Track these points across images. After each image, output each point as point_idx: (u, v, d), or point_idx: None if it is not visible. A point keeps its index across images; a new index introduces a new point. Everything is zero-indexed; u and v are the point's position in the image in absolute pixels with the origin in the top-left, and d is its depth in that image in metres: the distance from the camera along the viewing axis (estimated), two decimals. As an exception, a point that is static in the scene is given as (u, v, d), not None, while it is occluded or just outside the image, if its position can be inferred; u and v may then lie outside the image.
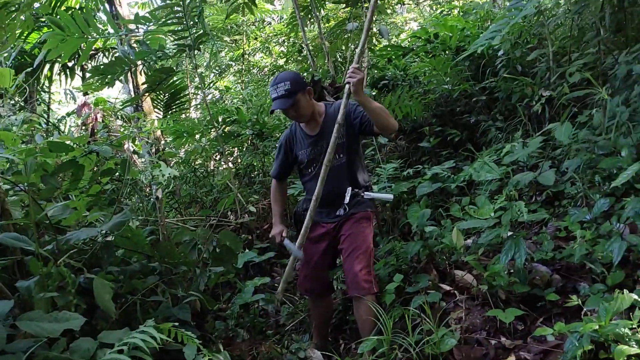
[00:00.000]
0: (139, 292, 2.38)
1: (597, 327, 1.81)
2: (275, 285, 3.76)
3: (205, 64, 8.61)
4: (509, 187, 3.12)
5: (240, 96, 7.29)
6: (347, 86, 2.41)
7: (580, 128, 3.35)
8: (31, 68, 5.16)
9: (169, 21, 3.92)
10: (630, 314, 1.91)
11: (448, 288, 2.75)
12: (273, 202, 3.04)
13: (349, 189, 2.64)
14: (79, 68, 6.44)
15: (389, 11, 7.69)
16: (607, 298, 2.08)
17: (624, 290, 1.91)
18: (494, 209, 2.80)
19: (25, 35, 5.51)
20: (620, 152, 2.71)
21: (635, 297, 1.88)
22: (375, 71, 5.94)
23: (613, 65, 3.49)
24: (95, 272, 2.23)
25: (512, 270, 2.61)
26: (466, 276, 2.77)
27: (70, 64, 6.35)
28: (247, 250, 3.72)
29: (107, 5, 5.78)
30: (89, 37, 3.67)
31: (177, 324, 1.77)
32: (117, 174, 3.16)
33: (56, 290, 1.90)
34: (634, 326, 1.78)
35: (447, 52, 5.41)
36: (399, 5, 8.45)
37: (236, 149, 5.50)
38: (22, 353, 1.51)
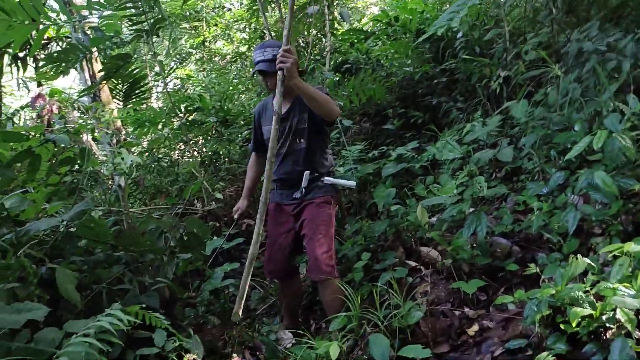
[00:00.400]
0: (104, 281, 2.34)
1: (553, 292, 1.90)
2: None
3: (164, 51, 8.41)
4: (470, 165, 3.21)
5: (203, 84, 7.17)
6: (279, 72, 2.31)
7: (536, 106, 3.47)
8: (-22, 58, 4.90)
9: (124, 6, 3.81)
10: (584, 278, 2.01)
11: (414, 264, 2.83)
12: (247, 176, 3.07)
13: (307, 172, 2.64)
14: (31, 58, 6.17)
15: (350, -5, 7.71)
16: (563, 265, 2.18)
17: (578, 255, 2.01)
18: (457, 184, 2.88)
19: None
20: (574, 127, 2.83)
21: (589, 261, 1.98)
22: (338, 55, 5.95)
23: (565, 43, 3.62)
24: (58, 263, 2.17)
25: (474, 244, 2.70)
26: (431, 252, 2.85)
27: (21, 54, 6.08)
28: (215, 238, 3.69)
29: (58, -9, 5.54)
30: (39, 24, 3.52)
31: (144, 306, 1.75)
32: (77, 164, 3.07)
33: (17, 282, 1.85)
34: (587, 289, 1.88)
35: (407, 35, 5.47)
36: (360, -11, 8.48)
37: (200, 137, 5.42)
38: (-17, 345, 1.47)
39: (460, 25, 4.58)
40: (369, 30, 6.18)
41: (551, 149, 3.06)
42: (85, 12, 3.98)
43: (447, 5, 6.05)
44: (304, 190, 2.65)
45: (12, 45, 3.50)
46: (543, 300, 1.92)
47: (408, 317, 2.23)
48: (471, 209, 2.72)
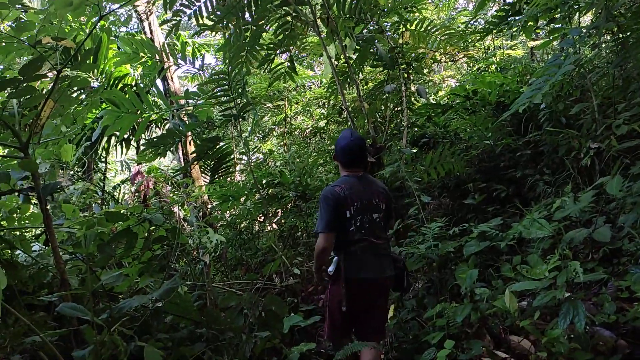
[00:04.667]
0: (186, 359, 2.40)
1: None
2: (322, 350, 3.67)
3: (249, 129, 8.99)
4: (562, 245, 2.99)
5: (283, 159, 7.50)
6: None
7: (635, 180, 3.22)
8: (90, 142, 5.55)
9: (215, 94, 4.18)
10: None
11: (504, 356, 2.60)
12: None
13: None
14: (134, 140, 6.87)
15: (425, 70, 7.86)
16: (682, 367, 1.91)
17: (701, 358, 1.75)
18: (548, 268, 2.67)
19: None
20: (681, 206, 2.57)
21: None
22: (415, 129, 6.00)
23: (663, 115, 3.39)
24: (145, 339, 2.27)
25: (572, 335, 2.45)
26: (523, 342, 2.62)
27: (125, 136, 6.79)
28: (292, 314, 3.68)
29: (159, 82, 6.23)
30: (143, 112, 3.95)
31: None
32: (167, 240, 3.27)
33: (109, 359, 1.94)
34: None
35: (486, 107, 5.42)
36: (436, 63, 8.63)
37: (280, 210, 5.59)
38: None
39: (543, 97, 4.47)
40: (446, 104, 6.21)
41: (656, 229, 2.78)
42: (182, 101, 4.41)
43: (528, 77, 5.97)
44: None
45: (120, 131, 3.93)
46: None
47: (499, 418, 2.02)
48: (566, 294, 2.50)
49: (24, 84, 2.10)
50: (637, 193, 3.06)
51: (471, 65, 8.95)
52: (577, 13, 4.56)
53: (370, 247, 2.76)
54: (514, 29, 5.38)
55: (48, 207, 2.17)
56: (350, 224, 2.75)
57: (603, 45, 4.90)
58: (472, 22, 7.69)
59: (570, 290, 2.69)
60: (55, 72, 2.24)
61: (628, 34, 3.84)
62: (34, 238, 3.01)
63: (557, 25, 4.60)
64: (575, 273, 2.45)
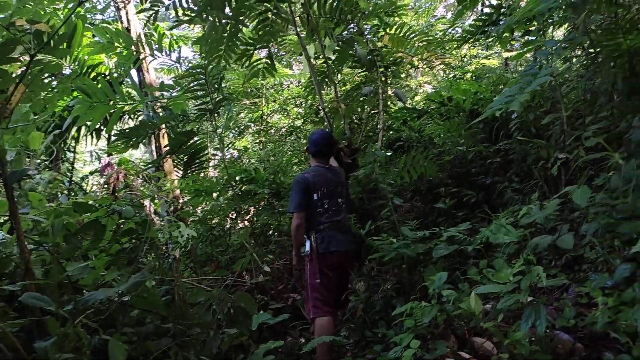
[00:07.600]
0: (152, 354, 2.37)
1: (625, 402, 1.73)
2: (289, 348, 3.68)
3: (222, 124, 8.92)
4: (527, 251, 3.07)
5: (258, 156, 7.47)
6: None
7: (598, 191, 3.33)
8: (59, 130, 5.40)
9: (191, 87, 4.13)
10: (660, 388, 1.82)
11: (467, 356, 2.66)
12: None
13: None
14: (106, 131, 6.72)
15: (402, 75, 7.95)
16: (634, 370, 1.99)
17: (652, 362, 1.83)
18: (513, 273, 2.75)
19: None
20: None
21: (664, 370, 1.80)
22: (391, 132, 6.07)
23: (627, 129, 3.52)
24: (110, 333, 2.23)
25: (533, 338, 2.52)
26: (486, 344, 2.68)
27: (96, 126, 6.63)
28: (261, 312, 3.67)
29: (134, 72, 6.10)
30: (116, 104, 3.86)
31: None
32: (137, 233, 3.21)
33: (72, 352, 1.90)
34: (664, 402, 1.69)
35: (460, 114, 5.53)
36: (413, 69, 8.75)
37: (252, 207, 5.56)
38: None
39: (521, 105, 4.57)
40: (421, 109, 6.30)
41: (615, 239, 2.89)
42: (156, 93, 4.34)
43: (502, 86, 6.11)
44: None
45: (92, 121, 3.83)
46: (613, 410, 1.75)
47: (461, 417, 2.07)
48: (529, 298, 2.57)
49: (-6, 67, 2.04)
50: (599, 203, 3.17)
51: (447, 72, 9.11)
52: (552, 27, 4.70)
53: (336, 226, 3.30)
54: (490, 39, 5.50)
55: (14, 194, 2.10)
56: (317, 206, 3.29)
57: (574, 60, 5.06)
58: (450, 30, 7.83)
59: (533, 295, 2.77)
60: (27, 56, 2.17)
61: (598, 50, 3.97)
62: (-3, 226, 2.91)
63: (531, 38, 4.73)
64: (539, 278, 2.52)
